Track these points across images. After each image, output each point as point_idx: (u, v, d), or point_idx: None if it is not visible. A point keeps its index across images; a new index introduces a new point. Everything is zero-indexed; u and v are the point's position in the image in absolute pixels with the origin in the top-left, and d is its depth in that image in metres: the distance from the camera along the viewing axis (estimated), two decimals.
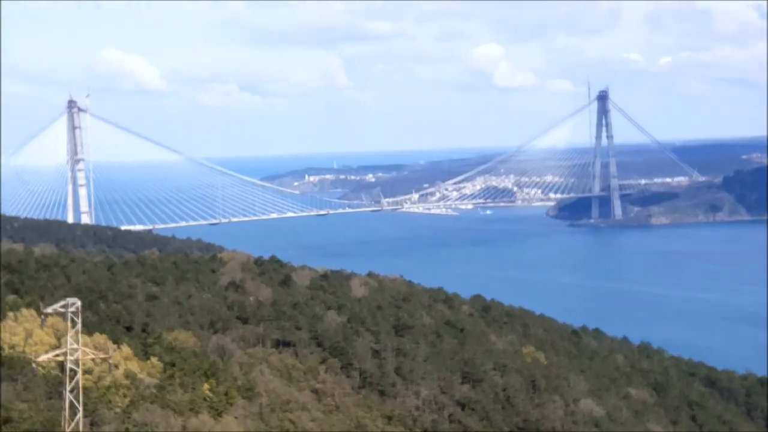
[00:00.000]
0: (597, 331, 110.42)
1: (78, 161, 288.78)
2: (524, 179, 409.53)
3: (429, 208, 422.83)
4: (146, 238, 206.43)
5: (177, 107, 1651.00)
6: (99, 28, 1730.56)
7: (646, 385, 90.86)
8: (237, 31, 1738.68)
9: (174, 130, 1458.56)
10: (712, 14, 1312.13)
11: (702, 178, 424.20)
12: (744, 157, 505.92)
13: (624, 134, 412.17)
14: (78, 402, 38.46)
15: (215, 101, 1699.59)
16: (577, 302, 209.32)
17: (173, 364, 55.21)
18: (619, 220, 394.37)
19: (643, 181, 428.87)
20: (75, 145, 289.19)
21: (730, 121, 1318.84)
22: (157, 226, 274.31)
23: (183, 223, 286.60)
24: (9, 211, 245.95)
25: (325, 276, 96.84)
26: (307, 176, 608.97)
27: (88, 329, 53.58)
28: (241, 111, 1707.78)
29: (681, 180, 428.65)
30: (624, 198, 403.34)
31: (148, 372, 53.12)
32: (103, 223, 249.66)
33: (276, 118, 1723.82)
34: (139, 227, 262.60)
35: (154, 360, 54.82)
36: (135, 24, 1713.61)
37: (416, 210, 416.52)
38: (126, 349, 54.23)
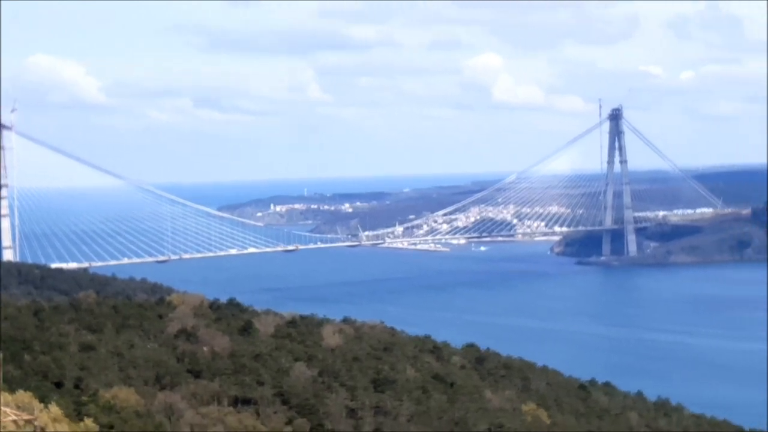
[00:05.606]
0: (608, 385, 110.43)
1: (0, 187, 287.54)
2: (525, 210, 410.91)
3: (415, 243, 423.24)
4: (81, 278, 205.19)
5: (120, 125, 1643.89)
6: (27, 31, 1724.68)
7: None
8: (192, 36, 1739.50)
9: (117, 151, 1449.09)
10: (742, 22, 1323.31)
11: (728, 210, 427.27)
12: None
13: (640, 159, 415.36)
14: None
15: (166, 118, 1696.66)
16: (586, 352, 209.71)
17: (111, 427, 54.61)
18: (633, 257, 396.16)
19: (661, 213, 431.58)
20: None
21: (761, 145, 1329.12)
22: (94, 264, 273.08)
23: (125, 260, 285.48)
24: None
25: (293, 322, 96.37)
26: (272, 206, 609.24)
27: (10, 385, 52.94)
28: (195, 130, 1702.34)
29: (704, 212, 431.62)
30: (640, 232, 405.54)
31: None
32: (30, 261, 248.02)
33: (237, 139, 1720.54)
34: (72, 265, 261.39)
35: (88, 422, 54.16)
36: (70, 26, 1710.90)
37: (400, 245, 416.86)
38: (55, 409, 53.56)
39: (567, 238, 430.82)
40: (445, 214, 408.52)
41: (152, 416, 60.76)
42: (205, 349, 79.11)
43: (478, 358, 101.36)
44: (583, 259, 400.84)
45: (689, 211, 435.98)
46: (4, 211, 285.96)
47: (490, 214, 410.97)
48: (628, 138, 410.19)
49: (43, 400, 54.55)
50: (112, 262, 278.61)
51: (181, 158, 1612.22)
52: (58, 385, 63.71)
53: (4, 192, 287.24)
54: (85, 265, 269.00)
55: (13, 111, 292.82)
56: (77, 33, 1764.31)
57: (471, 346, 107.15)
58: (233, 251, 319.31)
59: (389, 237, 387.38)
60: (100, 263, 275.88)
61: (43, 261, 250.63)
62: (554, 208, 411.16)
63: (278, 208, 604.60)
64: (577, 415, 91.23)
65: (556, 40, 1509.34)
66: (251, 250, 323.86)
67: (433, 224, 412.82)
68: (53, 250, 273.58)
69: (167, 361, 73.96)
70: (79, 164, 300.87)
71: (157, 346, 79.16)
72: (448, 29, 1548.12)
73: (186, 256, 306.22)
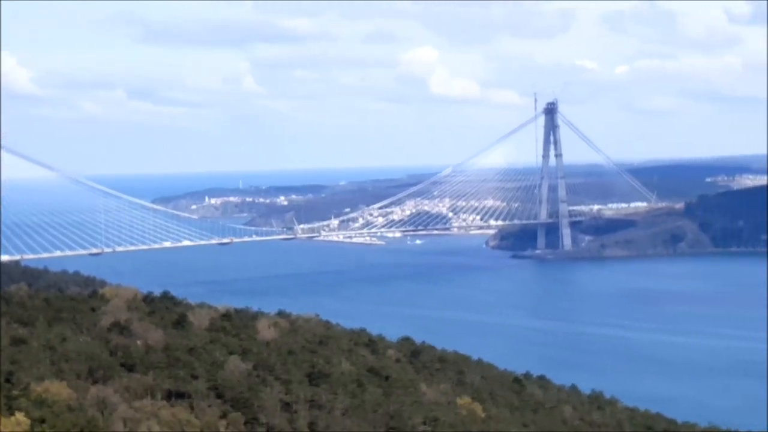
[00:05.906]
0: (542, 378, 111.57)
1: None
2: (461, 203, 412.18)
3: (351, 237, 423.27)
4: (13, 271, 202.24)
5: (53, 116, 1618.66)
6: None
7: None
8: (127, 28, 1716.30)
9: (50, 143, 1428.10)
10: (677, 17, 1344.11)
11: (662, 204, 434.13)
12: (708, 180, 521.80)
13: (575, 153, 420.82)
14: None
15: (100, 109, 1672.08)
16: (521, 346, 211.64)
17: (43, 421, 54.12)
18: (568, 251, 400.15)
19: (595, 207, 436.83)
20: None
21: (694, 141, 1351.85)
22: (25, 257, 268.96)
23: (58, 253, 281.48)
24: None
25: (227, 315, 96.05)
26: (207, 198, 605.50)
27: None
28: (130, 121, 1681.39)
29: (638, 206, 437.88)
30: (574, 226, 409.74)
31: (11, 431, 51.97)
32: None
33: (172, 130, 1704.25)
34: (4, 258, 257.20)
35: (19, 416, 53.63)
36: (4, 18, 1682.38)
37: (335, 238, 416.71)
38: None
39: (502, 231, 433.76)
40: (380, 207, 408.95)
41: (85, 410, 60.30)
42: (138, 342, 78.58)
43: (413, 352, 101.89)
44: (518, 252, 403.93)
45: (623, 205, 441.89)
46: None
47: (426, 208, 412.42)
48: (564, 132, 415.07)
49: None
50: (45, 255, 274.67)
51: (116, 150, 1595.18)
52: None
53: None
54: (17, 257, 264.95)
55: None
56: (7, 22, 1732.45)
57: (406, 340, 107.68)
58: (167, 244, 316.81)
59: (325, 230, 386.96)
60: (32, 256, 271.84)
61: None
62: (490, 202, 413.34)
63: (213, 201, 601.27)
64: (512, 408, 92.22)
65: (491, 34, 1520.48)
66: (185, 242, 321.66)
67: (369, 217, 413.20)
68: None
69: (100, 354, 73.34)
70: (10, 155, 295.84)
71: (89, 339, 78.43)
72: (383, 22, 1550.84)
73: (119, 248, 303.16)
